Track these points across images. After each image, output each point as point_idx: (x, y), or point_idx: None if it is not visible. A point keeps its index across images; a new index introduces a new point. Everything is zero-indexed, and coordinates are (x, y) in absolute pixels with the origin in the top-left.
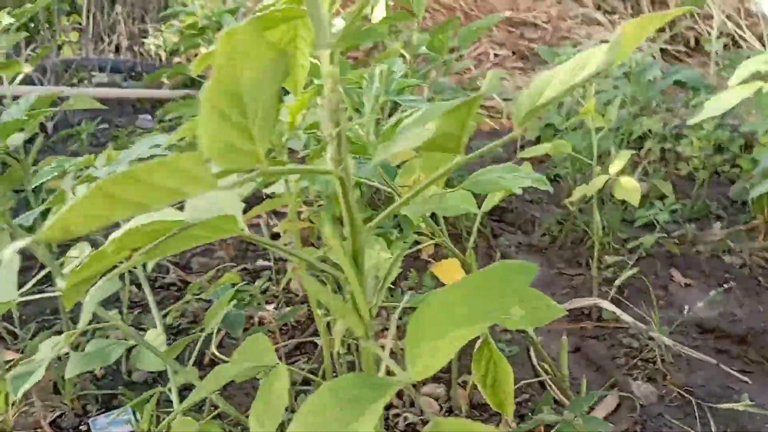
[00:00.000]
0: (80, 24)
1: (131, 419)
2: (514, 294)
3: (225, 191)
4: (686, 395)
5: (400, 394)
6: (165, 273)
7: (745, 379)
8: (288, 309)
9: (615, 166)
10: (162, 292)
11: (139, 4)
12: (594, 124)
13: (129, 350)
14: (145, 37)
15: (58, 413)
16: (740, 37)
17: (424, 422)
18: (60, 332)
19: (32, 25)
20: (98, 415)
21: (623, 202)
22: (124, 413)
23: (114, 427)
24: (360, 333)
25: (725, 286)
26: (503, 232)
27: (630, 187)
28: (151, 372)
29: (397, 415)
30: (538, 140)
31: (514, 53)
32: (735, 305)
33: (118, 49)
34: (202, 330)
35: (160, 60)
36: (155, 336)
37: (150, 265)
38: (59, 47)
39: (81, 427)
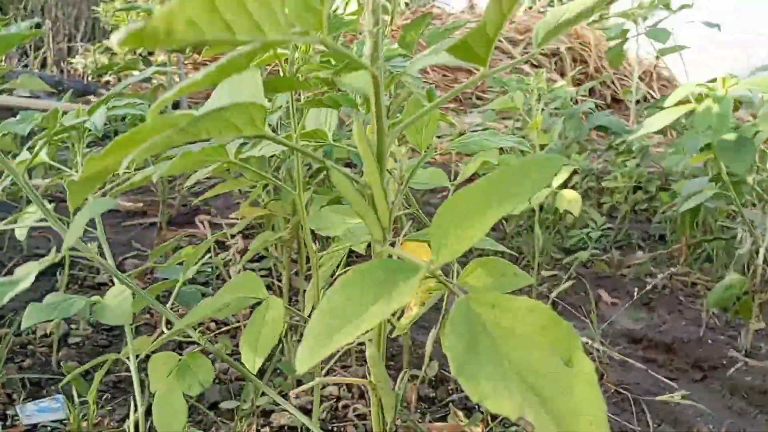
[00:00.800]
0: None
1: (61, 407)
2: (538, 182)
3: (251, 74)
4: (622, 392)
5: (349, 387)
6: (96, 272)
7: (674, 385)
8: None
9: (557, 180)
10: (93, 291)
11: (69, 22)
12: (538, 141)
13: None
14: (72, 56)
15: None
16: (652, 97)
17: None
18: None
19: None
20: (25, 402)
21: (555, 226)
22: (54, 401)
23: (43, 414)
24: (377, 236)
25: (650, 304)
26: None
27: (572, 198)
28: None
29: (347, 407)
30: None
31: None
32: (659, 321)
33: (44, 64)
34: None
35: (87, 78)
36: (119, 291)
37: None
38: None
39: (7, 412)
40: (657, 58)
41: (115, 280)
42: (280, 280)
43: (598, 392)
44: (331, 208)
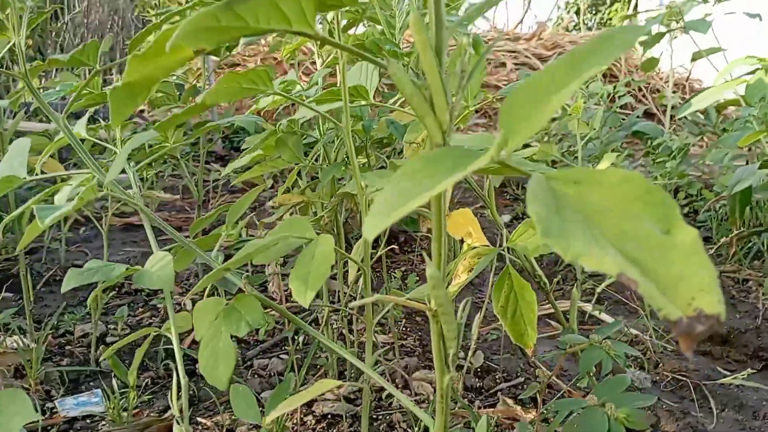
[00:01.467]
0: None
1: (100, 401)
2: (620, 45)
3: None
4: (681, 378)
5: (393, 378)
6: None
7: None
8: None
9: (603, 165)
10: (130, 297)
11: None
12: (579, 131)
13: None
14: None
15: None
16: None
17: (418, 402)
18: None
19: None
20: (64, 397)
21: None
22: (92, 395)
23: (82, 407)
24: (436, 139)
25: None
26: None
27: None
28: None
29: (390, 396)
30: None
31: (477, 111)
32: None
33: None
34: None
35: None
36: (160, 257)
37: None
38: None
39: (47, 405)
40: (693, 60)
41: (155, 250)
42: None
43: (704, 259)
44: (376, 172)
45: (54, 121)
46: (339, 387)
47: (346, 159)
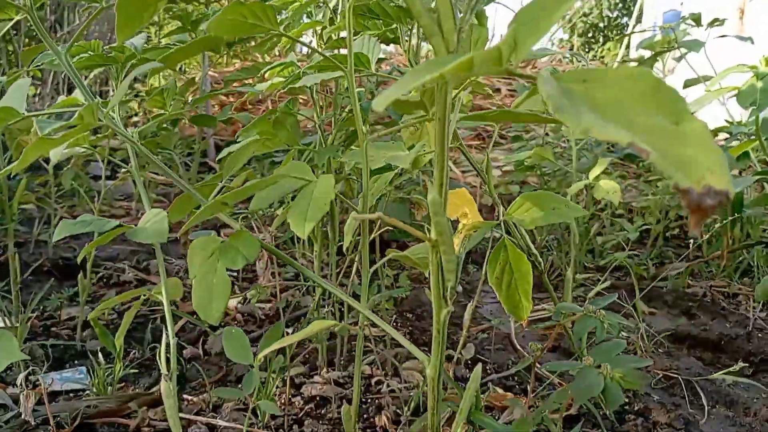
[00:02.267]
0: (40, 78)
1: (85, 377)
2: None
3: None
4: (672, 376)
5: (383, 365)
6: (121, 272)
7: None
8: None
9: (594, 171)
10: (117, 287)
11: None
12: (573, 136)
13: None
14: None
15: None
16: None
17: (408, 389)
18: None
19: None
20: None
21: (587, 240)
22: (77, 372)
23: (66, 383)
24: (441, 55)
25: (690, 312)
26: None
27: (610, 187)
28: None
29: (380, 383)
30: None
31: (472, 131)
32: (703, 323)
33: None
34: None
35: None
36: (155, 214)
37: None
38: None
39: (29, 378)
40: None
41: (147, 208)
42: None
43: (712, 144)
44: (378, 144)
45: (57, 56)
46: (333, 326)
47: (342, 143)
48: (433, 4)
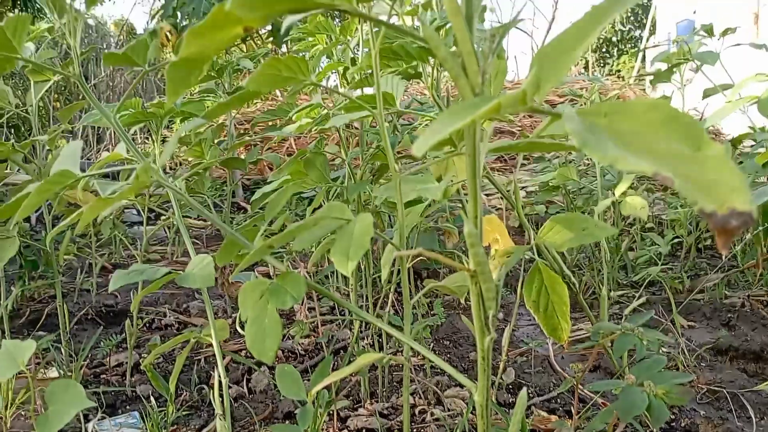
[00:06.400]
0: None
1: (137, 422)
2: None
3: None
4: (716, 389)
5: (425, 394)
6: (163, 315)
7: None
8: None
9: (620, 188)
10: (160, 331)
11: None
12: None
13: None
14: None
15: None
16: None
17: (452, 416)
18: None
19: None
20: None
21: (618, 251)
22: (129, 417)
23: (120, 429)
24: (466, 95)
25: (730, 323)
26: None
27: (637, 204)
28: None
29: (424, 411)
30: None
31: (494, 153)
32: (743, 334)
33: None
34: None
35: None
36: (201, 259)
37: None
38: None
39: (85, 426)
40: (704, 97)
41: (192, 253)
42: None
43: (733, 167)
44: (411, 177)
45: (105, 117)
46: (380, 359)
47: (372, 176)
48: (453, 48)
